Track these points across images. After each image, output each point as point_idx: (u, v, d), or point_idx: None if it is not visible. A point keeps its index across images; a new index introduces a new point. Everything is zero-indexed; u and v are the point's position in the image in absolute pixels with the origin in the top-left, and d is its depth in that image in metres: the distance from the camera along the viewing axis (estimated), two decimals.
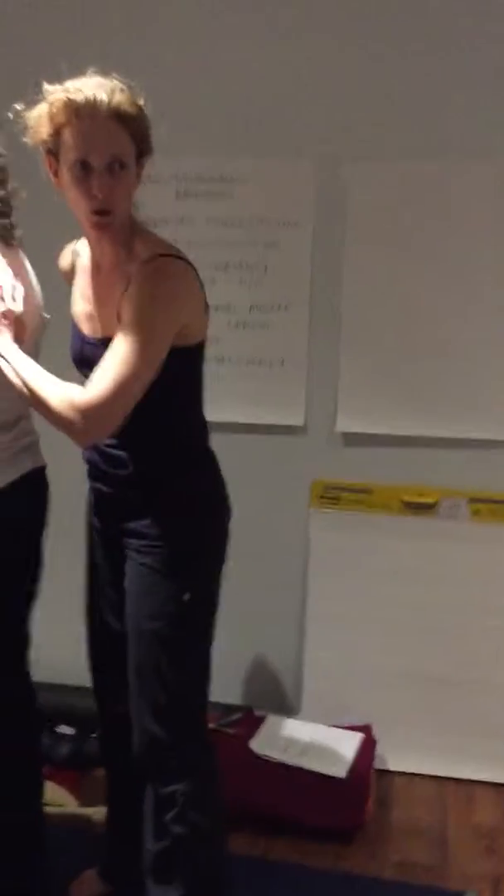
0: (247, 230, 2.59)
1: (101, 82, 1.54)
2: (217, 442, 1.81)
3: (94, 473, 1.80)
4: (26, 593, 1.88)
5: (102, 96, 1.51)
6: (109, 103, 1.51)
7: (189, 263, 1.63)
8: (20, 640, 1.89)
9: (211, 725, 1.94)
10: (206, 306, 1.69)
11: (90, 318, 1.72)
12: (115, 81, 1.55)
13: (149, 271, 1.56)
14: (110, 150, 1.53)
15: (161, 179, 2.45)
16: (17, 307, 1.66)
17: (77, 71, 1.55)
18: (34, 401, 1.58)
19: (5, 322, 1.64)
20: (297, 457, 2.67)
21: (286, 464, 2.68)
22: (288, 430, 2.67)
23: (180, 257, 1.63)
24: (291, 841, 2.27)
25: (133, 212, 1.65)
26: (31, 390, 1.58)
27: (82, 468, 1.80)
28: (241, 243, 2.60)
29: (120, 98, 1.53)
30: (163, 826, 1.74)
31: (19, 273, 1.71)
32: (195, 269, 1.65)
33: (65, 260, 1.85)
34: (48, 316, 1.82)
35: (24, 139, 1.57)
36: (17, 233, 1.72)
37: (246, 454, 2.49)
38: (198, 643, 1.77)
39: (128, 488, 1.74)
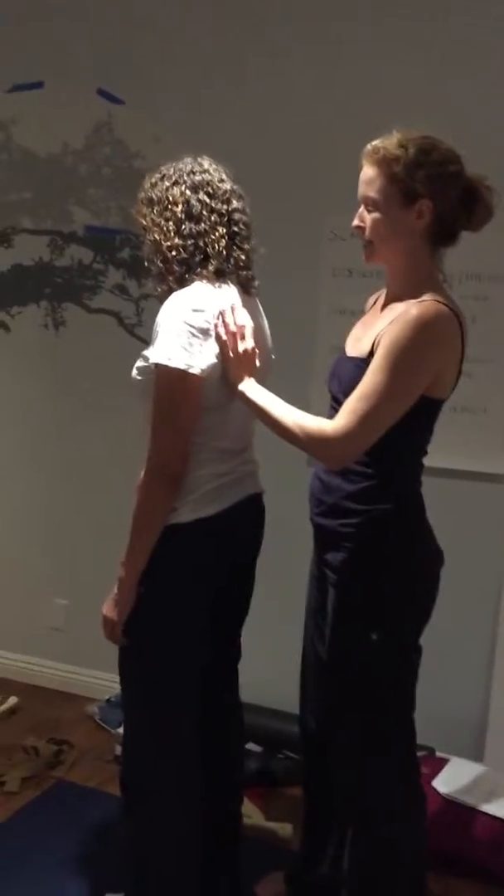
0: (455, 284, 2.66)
1: (392, 135, 1.70)
2: None
3: (311, 499, 1.87)
4: (237, 612, 2.04)
5: (375, 143, 1.70)
6: (374, 149, 1.69)
7: (457, 316, 1.68)
8: (231, 657, 2.04)
9: None
10: (461, 361, 1.73)
11: (355, 338, 1.85)
12: (406, 134, 1.69)
13: (414, 314, 1.62)
14: (363, 189, 1.72)
15: None
16: (250, 344, 1.78)
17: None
18: (284, 434, 1.70)
19: (251, 361, 1.75)
20: (494, 504, 2.70)
21: (482, 510, 2.70)
22: (487, 477, 2.69)
23: (451, 308, 1.68)
24: (471, 884, 2.28)
25: (430, 264, 1.75)
26: (281, 426, 1.69)
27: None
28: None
29: (387, 145, 1.68)
30: (358, 853, 1.80)
31: (254, 317, 1.90)
32: (462, 324, 1.70)
33: (370, 301, 1.98)
34: (274, 357, 2.00)
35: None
36: (256, 283, 1.90)
37: (442, 499, 2.54)
38: (385, 683, 1.75)
39: (333, 517, 1.79)
